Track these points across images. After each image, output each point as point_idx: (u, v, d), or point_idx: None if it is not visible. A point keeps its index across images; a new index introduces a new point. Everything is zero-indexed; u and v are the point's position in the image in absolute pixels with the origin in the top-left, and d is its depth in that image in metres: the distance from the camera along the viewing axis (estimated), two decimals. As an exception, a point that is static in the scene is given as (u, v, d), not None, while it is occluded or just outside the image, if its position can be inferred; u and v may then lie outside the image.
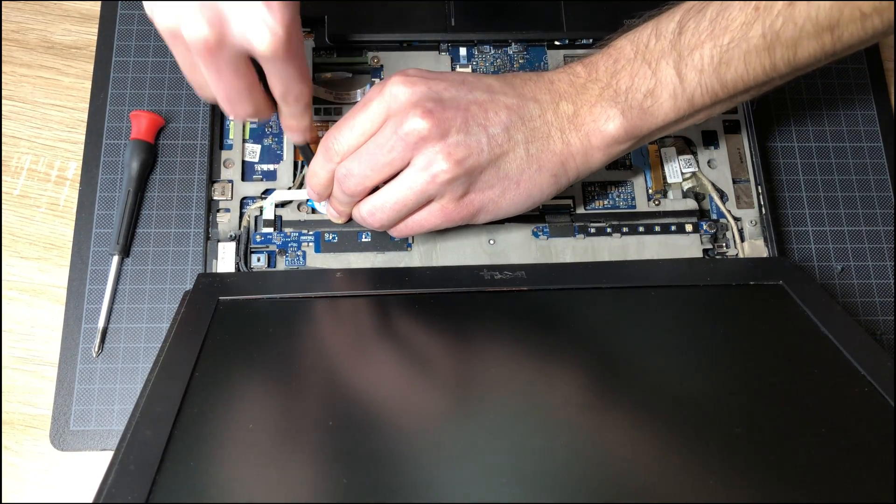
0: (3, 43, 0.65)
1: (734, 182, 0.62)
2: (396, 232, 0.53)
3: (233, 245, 0.57)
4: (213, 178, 0.59)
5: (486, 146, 0.49)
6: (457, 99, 0.49)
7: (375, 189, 0.51)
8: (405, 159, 0.49)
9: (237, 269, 0.57)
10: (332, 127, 0.51)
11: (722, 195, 0.62)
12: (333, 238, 0.58)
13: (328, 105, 0.62)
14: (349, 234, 0.58)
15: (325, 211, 0.57)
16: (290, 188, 0.59)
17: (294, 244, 0.58)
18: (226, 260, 0.56)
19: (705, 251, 0.60)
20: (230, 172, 0.60)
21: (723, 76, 0.48)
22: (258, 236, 0.58)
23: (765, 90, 0.51)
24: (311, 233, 0.58)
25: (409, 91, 0.48)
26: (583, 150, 0.51)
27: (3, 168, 0.61)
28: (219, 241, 0.57)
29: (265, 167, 0.60)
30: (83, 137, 0.62)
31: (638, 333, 0.49)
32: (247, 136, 0.61)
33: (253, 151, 0.60)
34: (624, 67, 0.50)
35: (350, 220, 0.55)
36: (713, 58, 0.47)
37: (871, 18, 0.43)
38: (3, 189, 0.61)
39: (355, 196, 0.52)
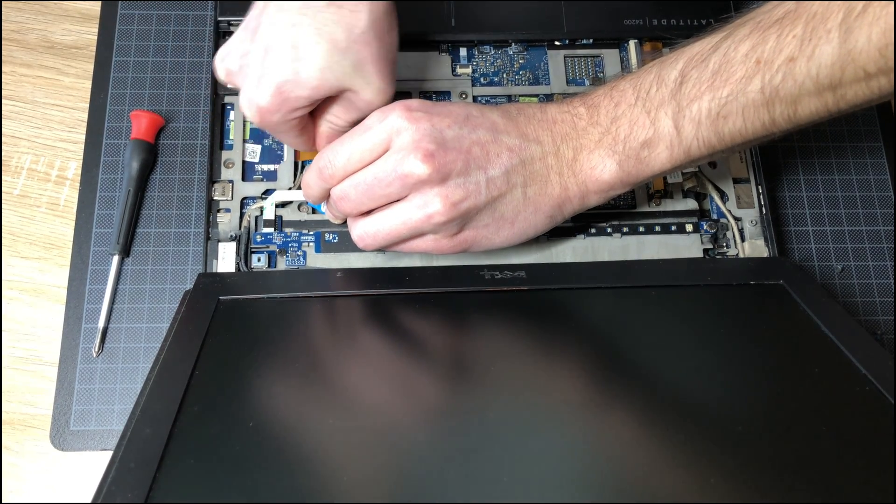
0: (3, 43, 0.65)
1: (734, 182, 0.62)
2: (387, 249, 0.54)
3: (233, 245, 0.57)
4: (213, 178, 0.59)
5: (483, 189, 0.49)
6: (459, 139, 0.49)
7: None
8: (402, 194, 0.49)
9: (237, 269, 0.56)
10: (327, 147, 0.51)
11: (722, 195, 0.62)
12: (334, 238, 0.58)
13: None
14: (349, 234, 0.57)
15: (324, 211, 0.57)
16: (290, 188, 0.59)
17: (294, 244, 0.58)
18: (226, 260, 0.56)
19: (706, 251, 0.60)
20: (231, 172, 0.60)
21: (720, 130, 0.47)
22: (258, 236, 0.58)
23: (765, 141, 0.49)
24: (311, 233, 0.58)
25: (411, 128, 0.48)
26: (579, 195, 0.52)
27: (3, 168, 0.61)
28: (219, 241, 0.57)
29: (265, 167, 0.60)
30: (83, 137, 0.62)
31: (638, 333, 0.49)
32: (247, 137, 0.61)
33: (253, 152, 0.60)
34: (624, 113, 0.50)
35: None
36: (711, 110, 0.46)
37: (877, 79, 0.41)
38: (3, 189, 0.61)
39: (349, 214, 0.52)
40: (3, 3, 0.65)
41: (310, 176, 0.52)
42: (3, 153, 0.62)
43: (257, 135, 0.61)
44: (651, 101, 0.49)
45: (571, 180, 0.51)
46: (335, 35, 0.47)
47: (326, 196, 0.52)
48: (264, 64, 0.48)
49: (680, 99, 0.47)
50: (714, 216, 0.61)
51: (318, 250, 0.58)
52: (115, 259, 0.58)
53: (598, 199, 0.53)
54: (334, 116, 0.53)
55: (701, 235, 0.60)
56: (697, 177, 0.61)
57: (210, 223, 0.58)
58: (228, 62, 0.51)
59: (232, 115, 0.61)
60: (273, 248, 0.58)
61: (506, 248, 0.54)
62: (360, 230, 0.51)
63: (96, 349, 0.56)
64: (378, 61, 0.49)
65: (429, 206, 0.48)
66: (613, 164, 0.50)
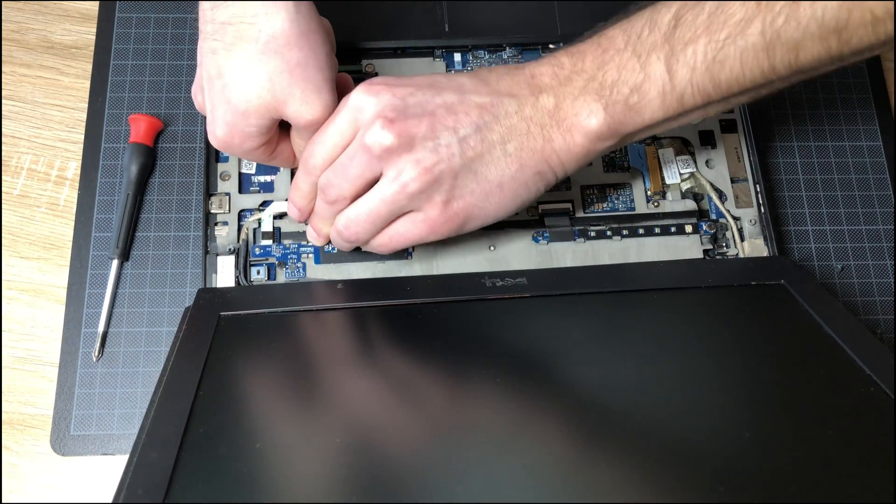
0: (3, 43, 0.64)
1: (732, 182, 0.62)
2: (380, 246, 0.52)
3: (232, 259, 0.57)
4: (210, 190, 0.59)
5: (456, 150, 0.47)
6: (422, 104, 0.48)
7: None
8: (375, 170, 0.48)
9: (237, 282, 0.56)
10: (309, 141, 0.51)
11: (721, 195, 0.61)
12: (333, 249, 0.58)
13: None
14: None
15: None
16: (287, 199, 0.58)
17: (294, 255, 0.57)
18: (225, 273, 0.56)
19: (705, 251, 0.60)
20: (227, 185, 0.59)
21: (716, 76, 0.44)
22: (257, 249, 0.57)
23: (764, 93, 0.47)
24: (310, 244, 0.58)
25: (372, 101, 0.48)
26: (566, 146, 0.49)
27: (3, 168, 0.61)
28: (217, 254, 0.57)
29: (262, 179, 0.60)
30: (83, 137, 0.62)
31: (642, 338, 0.49)
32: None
33: (249, 163, 0.60)
34: (612, 58, 0.48)
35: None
36: (707, 55, 0.44)
37: (884, 23, 0.39)
38: (3, 189, 0.61)
39: (336, 205, 0.51)
40: (3, 3, 0.65)
41: (298, 176, 0.52)
42: (3, 153, 0.62)
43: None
44: (642, 45, 0.47)
45: (555, 131, 0.49)
46: (245, 51, 0.47)
47: (313, 197, 0.52)
48: (210, 95, 0.49)
49: (674, 43, 0.45)
50: (713, 216, 0.61)
51: (317, 261, 0.57)
52: (115, 263, 0.58)
53: (585, 153, 0.50)
54: (294, 137, 0.53)
55: (700, 236, 0.60)
56: (695, 177, 0.61)
57: (208, 237, 0.57)
58: (197, 95, 0.52)
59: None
60: (272, 260, 0.57)
61: (505, 218, 0.52)
62: (343, 218, 0.50)
63: (96, 353, 0.56)
64: (295, 69, 0.48)
65: (401, 174, 0.47)
66: (600, 111, 0.48)
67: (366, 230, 0.50)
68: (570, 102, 0.49)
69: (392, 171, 0.47)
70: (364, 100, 0.48)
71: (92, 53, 0.64)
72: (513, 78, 0.50)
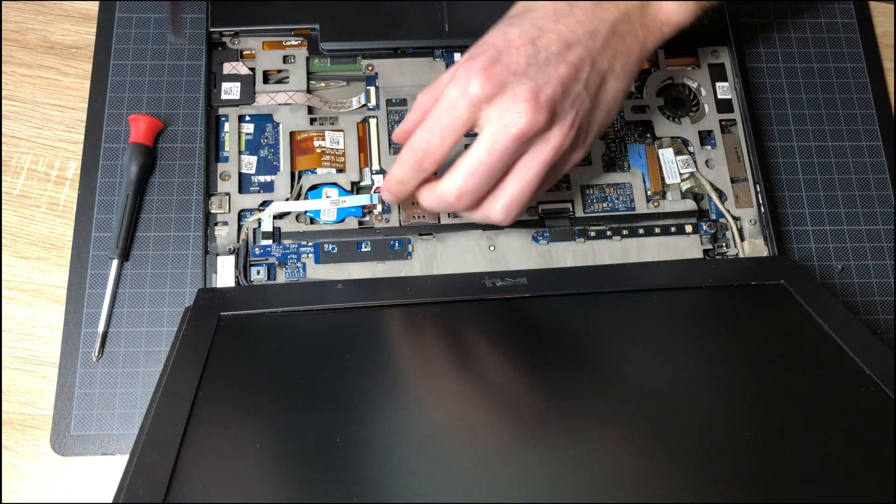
0: (3, 43, 0.64)
1: (732, 182, 0.62)
2: (504, 210, 0.49)
3: (232, 259, 0.56)
4: (210, 191, 0.59)
5: (585, 98, 0.49)
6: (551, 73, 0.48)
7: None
8: (470, 120, 0.47)
9: (237, 282, 0.56)
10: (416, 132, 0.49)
11: (721, 195, 0.61)
12: (333, 248, 0.57)
13: (322, 115, 0.62)
14: (349, 245, 0.57)
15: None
16: (287, 199, 0.59)
17: (293, 256, 0.57)
18: (225, 274, 0.56)
19: (705, 251, 0.59)
20: (227, 185, 0.59)
21: None
22: (257, 249, 0.57)
23: None
24: (310, 244, 0.58)
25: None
26: (655, 43, 0.53)
27: (3, 168, 0.61)
28: (217, 254, 0.57)
29: (262, 178, 0.60)
30: (83, 137, 0.62)
31: (641, 338, 0.48)
32: (243, 148, 0.60)
33: (249, 163, 0.60)
34: None
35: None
36: None
37: None
38: (3, 189, 0.61)
39: (423, 169, 0.49)
40: (3, 3, 0.65)
41: (402, 159, 0.50)
42: (3, 153, 0.62)
43: (253, 146, 0.61)
44: None
45: (647, 34, 0.52)
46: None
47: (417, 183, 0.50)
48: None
49: None
50: (713, 216, 0.61)
51: (317, 261, 0.57)
52: (115, 263, 0.58)
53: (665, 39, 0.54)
54: None
55: (700, 236, 0.60)
56: (695, 177, 0.61)
57: (208, 237, 0.57)
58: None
59: (227, 126, 0.61)
60: (272, 260, 0.57)
61: None
62: (458, 176, 0.48)
63: (96, 353, 0.56)
64: None
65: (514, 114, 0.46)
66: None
67: (479, 185, 0.48)
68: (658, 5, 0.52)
69: (495, 112, 0.46)
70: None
71: (92, 53, 0.64)
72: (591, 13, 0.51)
